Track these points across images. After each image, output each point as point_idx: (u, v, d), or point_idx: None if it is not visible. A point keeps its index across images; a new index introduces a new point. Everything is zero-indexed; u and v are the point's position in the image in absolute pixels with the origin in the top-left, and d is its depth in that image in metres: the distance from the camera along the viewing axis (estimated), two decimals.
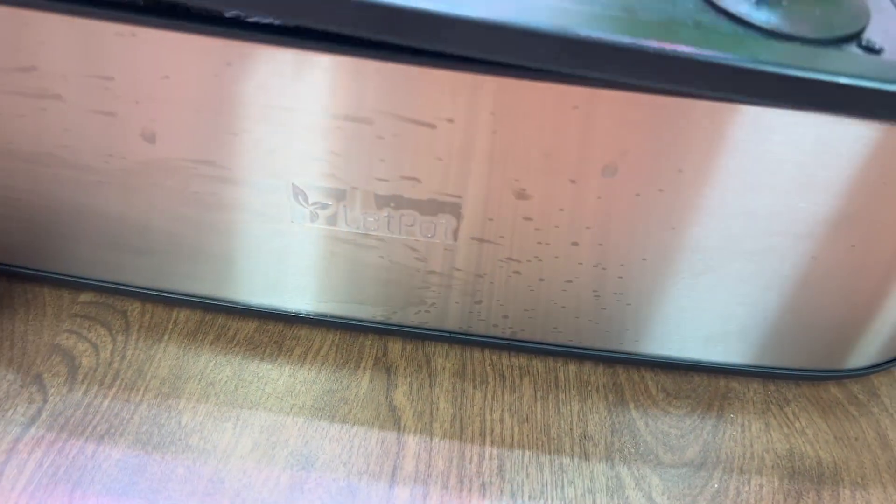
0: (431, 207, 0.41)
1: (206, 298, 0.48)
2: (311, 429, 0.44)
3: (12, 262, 0.48)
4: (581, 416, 0.46)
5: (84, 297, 0.49)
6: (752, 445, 0.46)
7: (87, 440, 0.42)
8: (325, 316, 0.48)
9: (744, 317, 0.46)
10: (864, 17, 0.35)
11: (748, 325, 0.46)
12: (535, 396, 0.47)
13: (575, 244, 0.42)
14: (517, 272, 0.44)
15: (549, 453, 0.44)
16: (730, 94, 0.33)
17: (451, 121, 0.37)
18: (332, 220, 0.42)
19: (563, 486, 0.43)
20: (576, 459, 0.44)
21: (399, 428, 0.44)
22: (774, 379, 0.50)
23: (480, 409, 0.46)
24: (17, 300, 0.48)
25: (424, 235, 0.42)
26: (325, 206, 0.41)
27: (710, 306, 0.45)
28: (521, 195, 0.40)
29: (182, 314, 0.49)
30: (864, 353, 0.49)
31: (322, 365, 0.47)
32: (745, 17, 0.33)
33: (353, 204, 0.41)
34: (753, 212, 0.39)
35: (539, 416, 0.46)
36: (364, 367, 0.47)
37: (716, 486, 0.44)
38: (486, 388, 0.47)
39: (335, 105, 0.37)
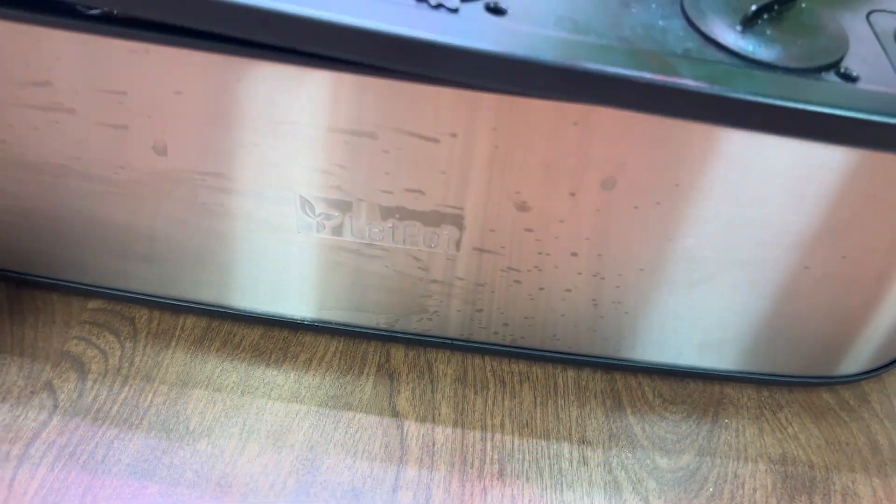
0: (434, 219, 0.42)
1: (212, 306, 0.49)
2: (316, 433, 0.45)
3: (23, 270, 0.49)
4: (579, 422, 0.47)
5: (93, 304, 0.50)
6: (746, 450, 0.47)
7: (97, 445, 0.43)
8: (330, 323, 0.49)
9: (738, 324, 0.47)
10: (844, 45, 0.36)
11: (742, 332, 0.47)
12: (535, 402, 0.48)
13: (574, 254, 0.43)
14: (517, 281, 0.45)
15: (549, 458, 0.45)
16: (716, 121, 0.34)
17: (453, 135, 0.38)
18: (337, 230, 0.43)
19: (562, 490, 0.44)
20: (574, 464, 0.45)
21: (402, 433, 0.45)
22: (768, 385, 0.51)
23: (481, 414, 0.47)
24: (28, 307, 0.49)
25: (427, 246, 0.43)
26: (330, 217, 0.42)
27: (705, 314, 0.46)
28: (522, 207, 0.41)
29: (189, 321, 0.50)
30: (856, 361, 0.50)
31: (326, 371, 0.48)
32: (731, 47, 0.34)
33: (358, 215, 0.42)
34: (746, 224, 0.41)
35: (539, 422, 0.47)
36: (367, 374, 0.48)
37: (711, 489, 0.45)
38: (487, 393, 0.48)
39: (340, 120, 0.38)
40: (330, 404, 0.46)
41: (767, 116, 0.34)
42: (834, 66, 0.36)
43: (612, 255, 0.43)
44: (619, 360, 0.49)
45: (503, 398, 0.48)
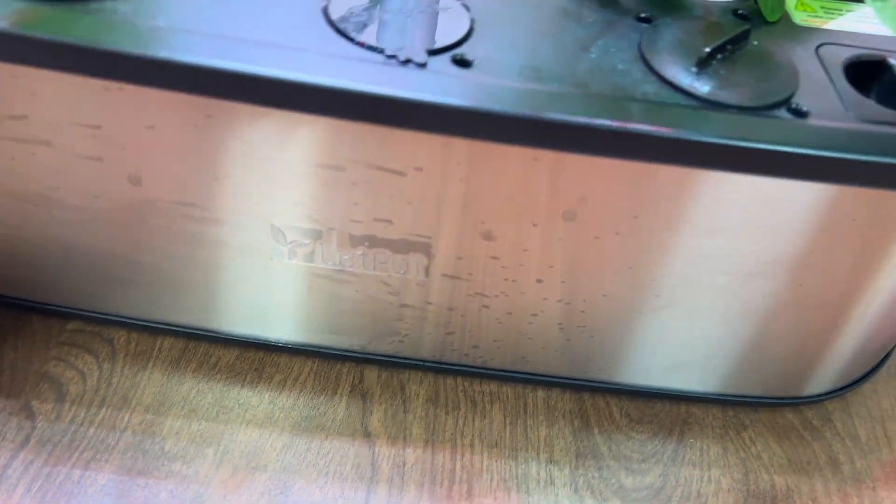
0: (403, 246, 0.43)
1: (189, 328, 0.50)
2: (289, 454, 0.46)
3: (3, 293, 0.50)
4: (548, 442, 0.49)
5: (72, 325, 0.51)
6: (709, 469, 0.48)
7: (73, 466, 0.44)
8: (304, 345, 0.50)
9: (703, 348, 0.48)
10: (794, 81, 0.38)
11: (708, 355, 0.49)
12: (505, 422, 0.49)
13: (539, 281, 0.44)
14: (486, 306, 0.46)
15: (517, 478, 0.46)
16: (673, 163, 0.36)
17: (419, 169, 0.39)
18: (309, 257, 0.44)
19: None
20: (542, 483, 0.46)
21: (373, 453, 0.46)
22: (733, 405, 0.52)
23: (452, 434, 0.48)
24: (8, 328, 0.50)
25: (397, 272, 0.44)
26: (301, 245, 0.43)
27: (670, 338, 0.47)
28: (488, 236, 0.42)
29: (166, 342, 0.51)
30: (820, 381, 0.51)
31: (301, 392, 0.49)
32: (687, 89, 0.36)
33: (329, 243, 0.43)
34: (707, 253, 0.42)
35: (508, 441, 0.48)
36: (341, 394, 0.49)
37: None
38: (458, 413, 0.49)
39: (311, 155, 0.39)
40: (303, 425, 0.47)
41: (722, 156, 0.36)
42: (785, 102, 0.37)
43: (576, 282, 0.44)
44: (587, 381, 0.50)
45: (473, 418, 0.49)
